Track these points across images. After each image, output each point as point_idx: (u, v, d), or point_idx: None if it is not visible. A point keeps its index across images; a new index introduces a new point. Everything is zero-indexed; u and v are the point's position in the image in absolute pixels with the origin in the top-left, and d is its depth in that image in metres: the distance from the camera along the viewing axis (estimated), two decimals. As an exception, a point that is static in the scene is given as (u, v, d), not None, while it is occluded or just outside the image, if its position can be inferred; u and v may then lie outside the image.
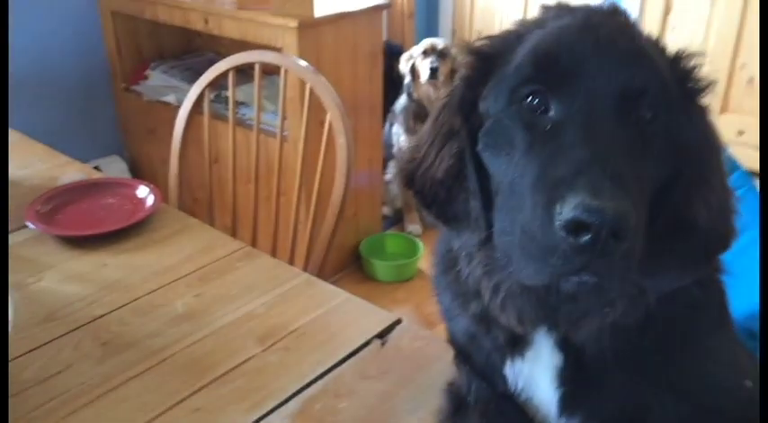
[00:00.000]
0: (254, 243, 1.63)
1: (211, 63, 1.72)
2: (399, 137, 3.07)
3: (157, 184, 1.44)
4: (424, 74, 2.95)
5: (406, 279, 2.75)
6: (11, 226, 1.27)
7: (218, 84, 1.75)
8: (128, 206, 1.35)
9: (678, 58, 0.64)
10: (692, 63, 0.64)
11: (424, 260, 2.74)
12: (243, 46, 2.04)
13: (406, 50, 3.16)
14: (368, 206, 2.83)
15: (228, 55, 1.69)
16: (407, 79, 3.04)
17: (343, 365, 0.95)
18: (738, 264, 0.78)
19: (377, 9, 2.56)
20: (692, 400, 0.69)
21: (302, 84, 1.71)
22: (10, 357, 0.95)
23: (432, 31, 3.81)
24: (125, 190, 1.41)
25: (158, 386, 0.92)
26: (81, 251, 1.22)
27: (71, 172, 1.51)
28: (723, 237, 0.64)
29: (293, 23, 2.22)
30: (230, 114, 1.73)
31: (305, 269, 1.51)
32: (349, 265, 2.80)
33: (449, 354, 0.84)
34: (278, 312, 1.06)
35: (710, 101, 0.66)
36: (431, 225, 2.90)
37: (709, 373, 0.70)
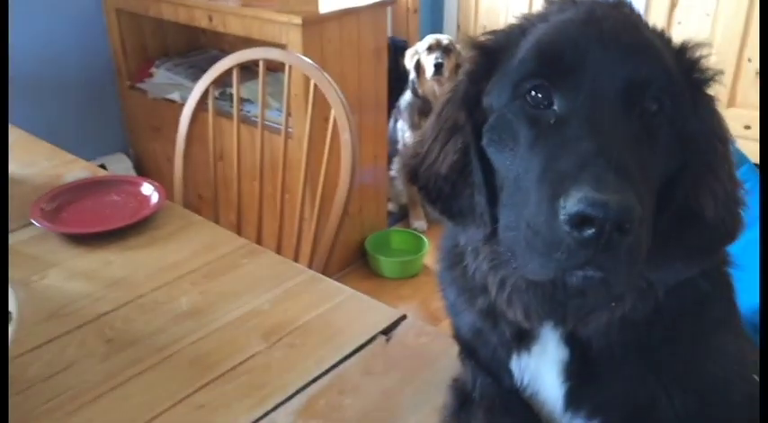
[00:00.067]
0: (258, 240, 1.63)
1: (216, 60, 1.71)
2: (404, 133, 3.07)
3: (162, 181, 1.43)
4: (429, 70, 2.94)
5: (412, 275, 2.75)
6: (16, 224, 1.27)
7: (222, 81, 1.75)
8: (132, 204, 1.35)
9: (684, 48, 0.64)
10: (698, 53, 0.64)
11: (430, 256, 2.74)
12: (247, 43, 2.04)
13: (410, 46, 3.15)
14: (373, 202, 2.83)
15: (233, 52, 1.69)
16: (412, 75, 3.03)
17: (348, 362, 0.95)
18: (746, 257, 0.77)
19: (381, 5, 2.55)
20: (698, 393, 0.69)
21: (307, 80, 1.70)
22: (14, 355, 0.95)
23: (436, 26, 3.80)
24: (129, 187, 1.41)
25: (163, 383, 0.91)
26: (86, 249, 1.22)
27: (76, 170, 1.51)
28: (730, 228, 0.63)
29: (297, 20, 2.22)
30: (235, 111, 1.73)
31: (310, 266, 1.51)
32: (354, 262, 2.80)
33: (454, 350, 0.84)
34: (282, 309, 1.06)
35: (717, 93, 0.65)
36: (436, 221, 2.90)
37: (716, 366, 0.70)
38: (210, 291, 1.11)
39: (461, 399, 0.81)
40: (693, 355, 0.69)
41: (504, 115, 0.62)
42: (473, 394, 0.80)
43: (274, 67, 2.35)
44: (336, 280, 1.15)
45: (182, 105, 1.75)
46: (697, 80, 0.63)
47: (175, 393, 0.89)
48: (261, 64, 1.67)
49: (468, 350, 0.80)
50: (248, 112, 2.53)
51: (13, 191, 1.38)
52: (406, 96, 3.09)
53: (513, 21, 0.69)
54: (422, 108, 3.00)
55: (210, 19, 2.48)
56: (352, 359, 0.96)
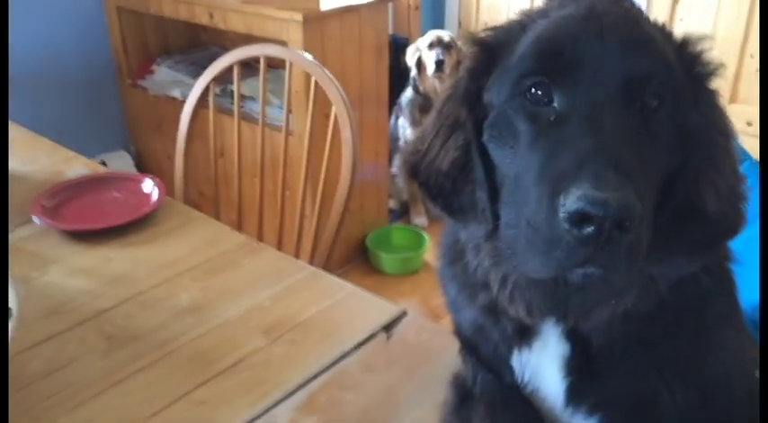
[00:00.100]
0: (259, 237, 1.62)
1: (217, 58, 1.71)
2: (405, 130, 3.06)
3: (163, 178, 1.43)
4: (430, 66, 2.94)
5: (413, 272, 2.75)
6: (17, 221, 1.27)
7: (223, 78, 1.75)
8: (133, 200, 1.35)
9: (685, 43, 0.64)
10: (700, 47, 0.63)
11: (431, 253, 2.73)
12: (248, 40, 2.04)
13: (411, 43, 3.15)
14: (374, 199, 2.83)
15: (234, 49, 1.68)
16: (413, 72, 3.03)
17: (349, 358, 0.95)
18: (747, 253, 0.77)
19: (382, 2, 2.55)
20: (699, 388, 0.69)
21: (307, 77, 1.70)
22: (14, 352, 0.95)
23: (438, 23, 3.79)
24: (130, 184, 1.41)
25: (163, 379, 0.92)
26: (86, 245, 1.22)
27: (77, 167, 1.51)
28: (732, 222, 0.63)
29: (298, 17, 2.21)
30: (236, 108, 1.73)
31: (311, 263, 1.50)
32: (355, 258, 2.80)
33: (454, 346, 0.84)
34: (283, 305, 1.06)
35: (720, 86, 0.65)
36: (437, 218, 2.89)
37: (717, 361, 0.70)
38: (211, 287, 1.11)
39: (462, 395, 0.81)
40: (695, 351, 0.69)
41: (504, 112, 0.62)
42: (474, 390, 0.80)
43: (275, 64, 2.34)
44: (337, 276, 1.15)
45: (183, 102, 1.75)
46: (699, 74, 0.63)
47: (176, 390, 0.89)
48: (261, 60, 1.66)
49: (470, 346, 0.80)
50: (249, 109, 2.53)
51: (13, 188, 1.38)
52: (407, 93, 3.09)
53: (513, 16, 0.68)
54: (423, 105, 3.00)
55: (211, 16, 2.47)
56: (353, 355, 0.95)
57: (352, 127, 1.52)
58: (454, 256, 0.74)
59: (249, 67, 2.13)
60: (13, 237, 1.23)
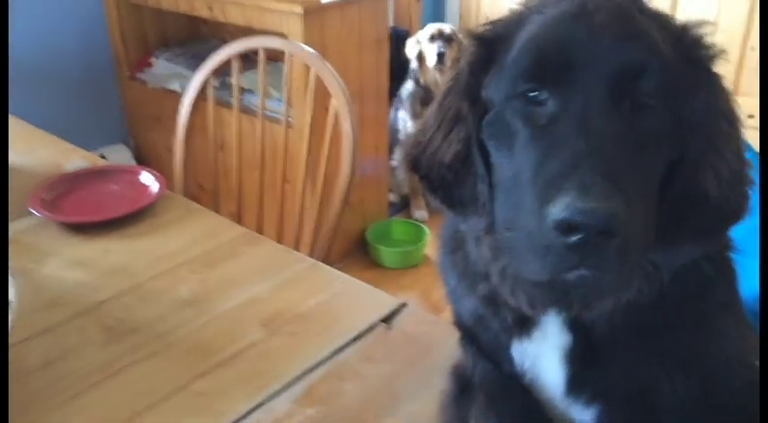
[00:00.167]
0: (259, 230, 1.62)
1: (216, 50, 1.71)
2: (406, 122, 3.06)
3: (163, 171, 1.43)
4: (431, 59, 2.93)
5: (413, 265, 2.74)
6: (15, 213, 1.27)
7: (222, 71, 1.74)
8: (131, 193, 1.35)
9: (686, 28, 0.63)
10: (701, 32, 0.63)
11: (431, 246, 2.73)
12: (248, 33, 2.03)
13: (412, 36, 3.14)
14: (374, 192, 2.82)
15: (233, 42, 1.68)
16: (414, 65, 3.02)
17: (348, 349, 0.95)
18: (749, 243, 0.77)
19: (382, -6, 2.54)
20: (700, 378, 0.68)
21: (307, 70, 1.69)
22: (14, 342, 0.95)
23: (438, 15, 3.78)
24: (129, 177, 1.41)
25: (163, 370, 0.91)
26: (85, 238, 1.22)
27: (75, 159, 1.51)
28: (735, 207, 0.63)
29: (298, 9, 2.21)
30: (235, 101, 1.72)
31: (310, 256, 1.50)
32: (355, 252, 2.80)
33: (454, 338, 0.84)
34: (283, 297, 1.06)
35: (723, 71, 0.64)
36: (437, 211, 2.89)
37: (718, 350, 0.69)
38: (210, 279, 1.10)
39: (461, 385, 0.81)
40: (696, 339, 0.69)
41: (501, 111, 0.62)
42: (473, 380, 0.80)
43: (275, 57, 2.34)
44: (337, 270, 1.15)
45: (182, 95, 1.74)
46: (699, 59, 0.62)
47: (175, 380, 0.89)
48: (261, 53, 1.66)
49: (469, 336, 0.80)
50: (249, 101, 2.52)
51: (12, 180, 1.37)
52: (408, 86, 3.08)
53: (512, 8, 0.68)
54: (423, 97, 2.99)
55: (210, 8, 2.46)
56: (353, 346, 0.95)
57: (353, 119, 1.52)
58: (454, 245, 0.74)
59: (248, 59, 2.12)
60: (12, 229, 1.23)
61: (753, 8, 2.80)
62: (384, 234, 2.85)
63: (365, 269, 2.68)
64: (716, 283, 0.69)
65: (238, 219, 1.66)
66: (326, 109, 1.56)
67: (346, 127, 1.52)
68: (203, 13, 2.50)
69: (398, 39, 3.20)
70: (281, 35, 2.22)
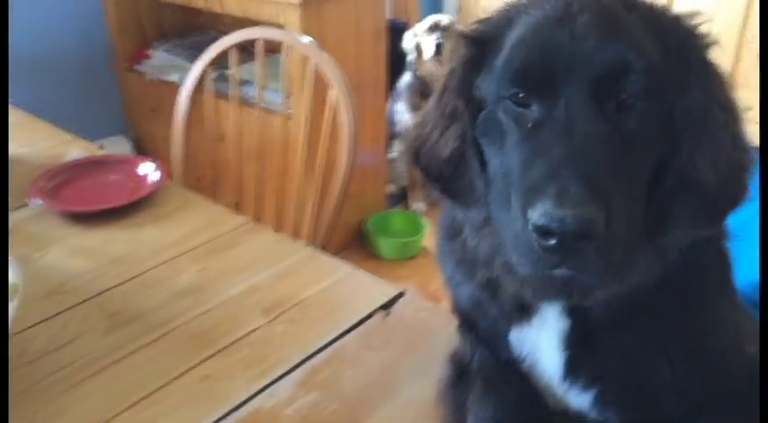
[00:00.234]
0: (258, 221, 1.62)
1: (214, 42, 1.71)
2: (403, 115, 3.06)
3: (162, 163, 1.44)
4: (429, 50, 2.93)
5: (411, 256, 2.76)
6: (16, 203, 1.27)
7: (220, 62, 1.74)
8: (132, 183, 1.36)
9: (677, 21, 0.63)
10: (692, 23, 0.63)
11: (429, 238, 2.74)
12: (245, 24, 2.02)
13: (410, 28, 3.14)
14: (372, 184, 2.83)
15: (231, 33, 1.68)
16: (412, 56, 3.02)
17: (348, 336, 0.96)
18: (747, 231, 0.78)
19: (380, -15, 2.54)
20: (696, 362, 0.70)
21: (305, 61, 1.70)
22: (18, 330, 0.96)
23: (436, 7, 3.77)
24: (129, 167, 1.42)
25: (165, 356, 0.93)
26: (86, 227, 1.23)
27: (75, 150, 1.51)
28: (734, 193, 0.63)
29: (296, 0, 2.20)
30: (233, 93, 1.73)
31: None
32: (354, 243, 2.81)
33: (452, 325, 0.85)
34: (283, 285, 1.07)
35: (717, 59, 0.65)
36: (435, 203, 2.90)
37: (713, 336, 0.71)
38: (211, 267, 1.12)
39: (459, 371, 0.82)
40: (692, 325, 0.70)
41: (493, 111, 0.64)
42: (471, 366, 0.81)
43: (273, 49, 2.33)
44: (336, 260, 1.16)
45: (180, 87, 1.75)
46: (693, 49, 0.63)
47: (178, 366, 0.91)
48: (259, 44, 1.66)
49: (467, 323, 0.81)
50: (247, 93, 2.52)
51: (12, 170, 1.38)
52: (405, 78, 3.08)
53: (500, 8, 0.69)
54: (421, 89, 2.99)
55: None
56: (352, 333, 0.97)
57: (351, 110, 1.52)
58: (452, 233, 0.75)
59: (246, 51, 2.12)
60: (13, 218, 1.24)
61: (750, 2, 2.80)
62: (383, 225, 2.86)
63: (364, 260, 2.69)
64: (712, 270, 0.70)
65: (237, 210, 1.66)
66: (325, 100, 1.57)
67: (345, 118, 1.53)
68: (200, 4, 2.50)
69: (396, 31, 3.20)
70: (279, 26, 2.22)
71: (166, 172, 1.38)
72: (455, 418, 0.79)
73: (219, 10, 2.46)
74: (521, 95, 0.61)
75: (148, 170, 1.38)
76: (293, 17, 2.24)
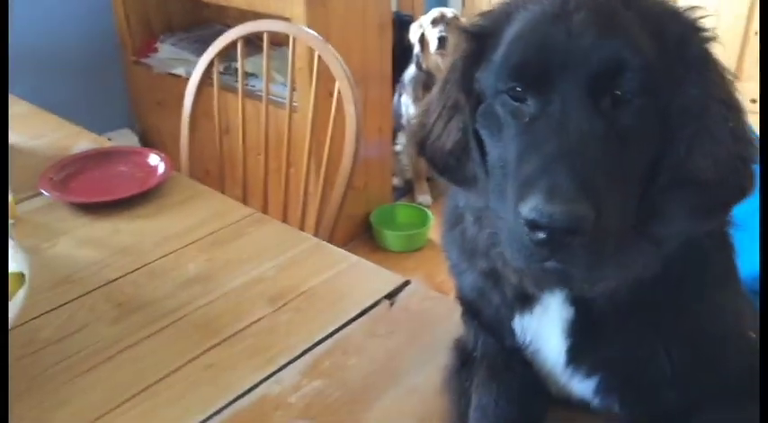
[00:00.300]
0: (264, 213, 1.63)
1: (220, 35, 1.72)
2: (408, 107, 3.06)
3: (169, 156, 1.45)
4: (433, 43, 2.93)
5: (417, 249, 2.77)
6: (25, 194, 1.29)
7: (226, 56, 1.75)
8: (140, 174, 1.37)
9: (676, 16, 0.63)
10: (692, 17, 0.63)
11: (434, 230, 2.75)
12: (251, 18, 2.03)
13: (415, 20, 3.14)
14: (378, 177, 2.84)
15: (237, 26, 1.69)
16: (416, 49, 3.02)
17: (353, 325, 0.97)
18: (750, 222, 0.78)
19: (386, -22, 2.54)
20: (697, 350, 0.70)
21: (311, 53, 1.71)
22: (26, 319, 0.97)
23: (442, 0, 3.77)
24: (137, 158, 1.43)
25: (171, 345, 0.94)
26: (94, 217, 1.24)
27: (83, 142, 1.53)
28: (736, 187, 0.63)
29: (301, -7, 2.21)
30: (239, 86, 1.73)
31: (315, 237, 1.52)
32: (360, 235, 2.82)
33: (456, 314, 0.86)
34: (288, 275, 1.08)
35: (719, 53, 0.65)
36: (441, 195, 2.91)
37: (715, 324, 0.71)
38: (217, 258, 1.13)
39: (463, 358, 0.83)
40: (694, 313, 0.70)
41: (492, 104, 0.65)
42: (474, 354, 0.82)
43: (279, 42, 2.34)
44: (341, 251, 1.17)
45: (187, 80, 1.76)
46: (692, 43, 0.62)
47: (184, 354, 0.92)
48: (265, 36, 1.67)
49: (471, 311, 0.82)
50: (253, 86, 2.54)
51: (21, 162, 1.40)
52: (410, 70, 3.08)
53: (499, 2, 0.69)
54: (426, 82, 3.00)
55: (214, -8, 2.47)
56: (357, 322, 0.98)
57: (356, 102, 1.53)
58: (455, 220, 0.76)
59: (252, 44, 2.13)
60: (22, 209, 1.25)
61: (756, -7, 2.79)
62: (388, 218, 2.87)
63: (370, 252, 2.70)
64: (714, 258, 0.71)
65: (243, 202, 1.67)
66: (330, 93, 1.57)
67: (350, 110, 1.53)
68: (207, -3, 2.51)
69: (401, 24, 3.20)
70: (285, 19, 2.22)
71: (172, 164, 1.39)
72: (459, 406, 0.80)
73: (225, 3, 2.47)
74: (518, 90, 0.62)
75: (156, 161, 1.39)
76: (299, 10, 2.24)
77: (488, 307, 0.78)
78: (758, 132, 1.10)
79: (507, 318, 0.75)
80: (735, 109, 0.63)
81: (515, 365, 0.77)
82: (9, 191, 1.17)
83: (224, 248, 1.15)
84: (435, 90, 0.73)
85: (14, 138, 1.49)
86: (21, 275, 0.87)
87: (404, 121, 3.08)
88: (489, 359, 0.80)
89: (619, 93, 0.59)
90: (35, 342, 0.94)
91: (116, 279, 1.07)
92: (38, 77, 2.63)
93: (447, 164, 0.70)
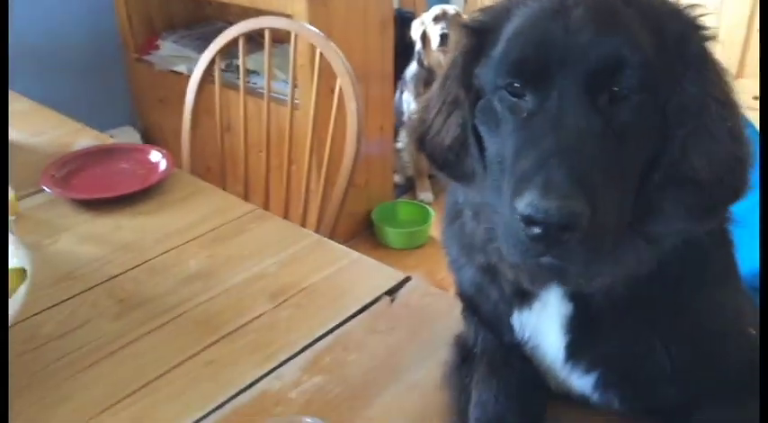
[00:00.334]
0: (265, 210, 1.64)
1: (222, 32, 1.72)
2: (410, 104, 3.06)
3: (170, 153, 1.45)
4: (435, 40, 2.93)
5: (418, 246, 2.77)
6: (27, 190, 1.29)
7: (228, 52, 1.75)
8: (141, 171, 1.37)
9: (675, 14, 0.63)
10: (692, 15, 0.63)
11: (436, 227, 2.75)
12: (253, 15, 2.03)
13: (417, 17, 3.13)
14: (379, 174, 2.84)
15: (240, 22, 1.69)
16: (418, 46, 3.02)
17: (353, 321, 0.97)
18: (751, 219, 0.78)
19: (387, -24, 2.54)
20: (695, 346, 0.70)
21: (312, 50, 1.71)
22: (28, 314, 0.98)
23: (443, -3, 3.77)
24: (138, 155, 1.43)
25: (172, 341, 0.94)
26: (96, 214, 1.24)
27: (84, 139, 1.53)
28: (732, 188, 0.63)
29: (303, -10, 2.21)
30: (241, 82, 1.74)
31: (316, 234, 1.52)
32: (361, 233, 2.82)
33: (456, 310, 0.86)
34: (289, 271, 1.08)
35: (716, 50, 0.65)
36: (442, 192, 2.91)
37: (713, 320, 0.71)
38: (218, 254, 1.13)
39: (463, 354, 0.83)
40: (692, 309, 0.70)
41: (490, 101, 0.65)
42: (474, 350, 0.82)
43: (280, 39, 2.34)
44: (342, 247, 1.17)
45: (188, 78, 1.76)
46: (691, 42, 0.62)
47: (185, 350, 0.92)
48: (266, 33, 1.67)
49: (471, 306, 0.82)
50: (255, 83, 2.54)
51: (23, 158, 1.41)
52: (412, 67, 3.08)
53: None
54: (427, 79, 2.99)
55: (216, -10, 2.47)
56: (357, 318, 0.98)
57: (358, 99, 1.53)
58: (454, 215, 0.76)
59: (254, 41, 2.13)
60: (24, 205, 1.25)
61: (759, -11, 2.78)
62: (390, 215, 2.87)
63: (371, 249, 2.70)
64: (713, 256, 0.71)
65: (245, 199, 1.67)
66: (332, 90, 1.57)
67: (351, 107, 1.53)
68: (209, -6, 2.51)
69: (403, 21, 3.20)
70: (286, 17, 2.22)
71: (174, 161, 1.39)
72: (459, 402, 0.80)
73: (227, 0, 2.47)
74: (516, 86, 0.62)
75: (157, 158, 1.40)
76: (300, 7, 2.24)
77: (487, 302, 0.78)
78: (759, 129, 1.10)
79: (506, 314, 0.75)
80: (732, 109, 0.63)
81: (515, 361, 0.78)
82: (10, 187, 1.17)
83: (225, 245, 1.15)
84: (435, 86, 0.73)
85: (15, 135, 1.50)
86: (22, 271, 0.87)
87: (405, 118, 3.08)
88: (489, 355, 0.80)
89: (617, 89, 0.59)
90: (37, 338, 0.94)
91: (117, 275, 1.08)
92: (40, 75, 2.64)
93: (446, 159, 0.70)
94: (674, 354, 0.69)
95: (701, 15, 0.64)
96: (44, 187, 1.28)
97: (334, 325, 0.96)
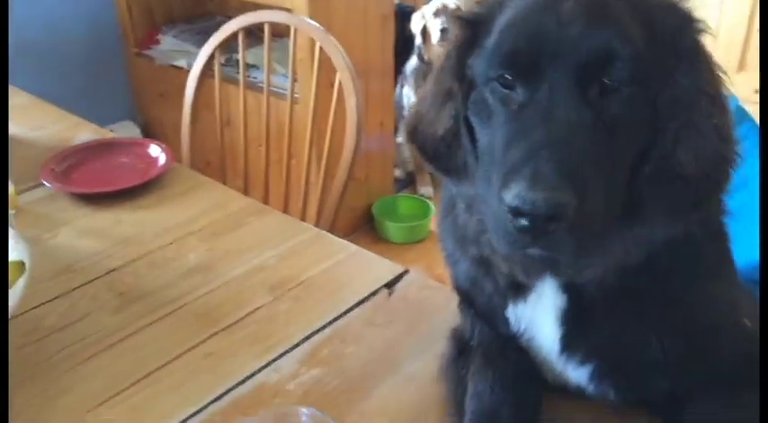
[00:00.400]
0: (265, 205, 1.64)
1: (222, 27, 1.72)
2: (410, 99, 3.06)
3: (170, 147, 1.45)
4: (435, 34, 2.92)
5: (418, 240, 2.77)
6: (27, 184, 1.30)
7: (228, 47, 1.75)
8: (141, 165, 1.38)
9: (668, 8, 0.63)
10: (685, 9, 0.63)
11: (436, 221, 2.75)
12: (253, 10, 2.03)
13: (417, 11, 3.13)
14: (380, 169, 2.84)
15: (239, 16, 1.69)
16: (418, 40, 3.01)
17: (351, 313, 0.98)
18: (748, 211, 0.78)
19: (388, -30, 2.53)
20: (689, 338, 0.71)
21: (312, 44, 1.71)
22: (28, 308, 0.98)
23: (444, -8, 3.75)
24: (138, 149, 1.43)
25: (172, 333, 0.95)
26: (95, 208, 1.25)
27: (84, 133, 1.53)
28: (716, 183, 0.64)
29: (303, -16, 2.21)
30: (241, 77, 1.74)
31: (315, 228, 1.52)
32: (361, 227, 2.83)
33: (454, 303, 0.86)
34: (288, 264, 1.09)
35: (709, 45, 0.65)
36: (442, 187, 2.91)
37: (707, 312, 0.71)
38: (218, 247, 1.13)
39: (460, 347, 0.84)
40: (685, 301, 0.70)
41: (481, 93, 0.65)
42: (471, 343, 0.83)
43: (280, 33, 2.34)
44: (342, 241, 1.18)
45: (188, 72, 1.76)
46: (683, 35, 0.62)
47: (184, 343, 0.92)
48: (266, 27, 1.67)
49: (467, 299, 0.83)
50: (254, 77, 2.54)
51: (23, 153, 1.41)
52: (412, 62, 3.08)
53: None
54: (427, 73, 2.98)
55: (216, -16, 2.47)
56: (355, 311, 0.98)
57: (357, 94, 1.53)
58: (449, 208, 0.77)
59: (254, 35, 2.13)
60: (24, 199, 1.26)
61: (760, -17, 2.78)
62: (390, 209, 2.87)
63: (371, 244, 2.71)
64: (706, 248, 0.71)
65: (245, 194, 1.67)
66: (331, 84, 1.58)
67: (351, 102, 1.54)
68: (209, -12, 2.51)
69: (403, 15, 3.19)
70: (287, 11, 2.22)
71: (174, 155, 1.39)
72: (456, 394, 0.81)
73: (227, -6, 2.47)
74: (507, 77, 0.62)
75: (157, 152, 1.40)
76: (300, 1, 2.24)
77: (481, 295, 0.78)
78: (759, 123, 1.10)
79: (501, 306, 0.76)
80: (720, 106, 0.64)
81: (510, 353, 0.78)
82: (10, 182, 1.17)
83: (224, 238, 1.16)
84: (430, 79, 0.73)
85: (15, 129, 1.50)
86: (21, 264, 0.88)
87: (405, 112, 3.08)
88: (485, 347, 0.80)
89: (607, 82, 0.59)
90: (38, 330, 0.95)
91: (117, 268, 1.08)
92: (40, 70, 2.64)
93: (437, 151, 0.71)
94: (667, 346, 0.70)
95: (694, 9, 0.64)
96: (44, 181, 1.29)
97: (332, 318, 0.97)
